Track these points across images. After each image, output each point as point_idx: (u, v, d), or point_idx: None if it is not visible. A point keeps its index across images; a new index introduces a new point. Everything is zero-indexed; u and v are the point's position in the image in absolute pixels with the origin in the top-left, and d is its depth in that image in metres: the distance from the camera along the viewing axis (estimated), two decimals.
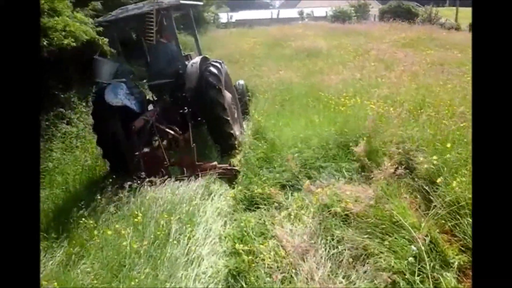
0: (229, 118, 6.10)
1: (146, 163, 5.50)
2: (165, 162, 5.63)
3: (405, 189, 4.23)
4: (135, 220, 4.21)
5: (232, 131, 6.19)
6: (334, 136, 5.66)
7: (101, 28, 10.02)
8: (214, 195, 5.05)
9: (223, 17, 35.17)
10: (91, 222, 4.37)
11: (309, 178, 4.79)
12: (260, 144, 6.05)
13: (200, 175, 5.33)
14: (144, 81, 7.22)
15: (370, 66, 10.32)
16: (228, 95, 6.57)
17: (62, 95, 9.93)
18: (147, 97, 6.99)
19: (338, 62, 11.66)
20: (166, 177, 5.27)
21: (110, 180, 5.36)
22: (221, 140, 6.26)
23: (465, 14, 36.56)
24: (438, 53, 12.30)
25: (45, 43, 7.12)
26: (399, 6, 30.79)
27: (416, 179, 4.39)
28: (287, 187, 4.87)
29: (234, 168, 5.55)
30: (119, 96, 5.74)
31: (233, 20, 35.42)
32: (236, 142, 6.24)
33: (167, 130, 5.95)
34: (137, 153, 5.52)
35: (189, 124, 6.16)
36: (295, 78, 9.70)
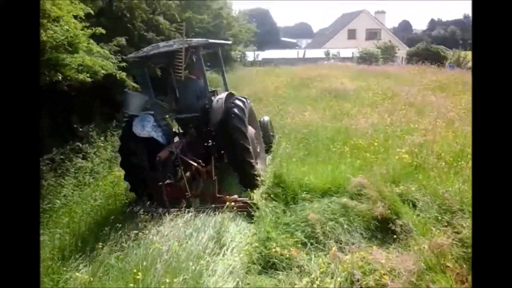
0: (250, 147, 6.16)
1: (169, 193, 5.65)
2: (187, 193, 5.74)
3: (449, 257, 3.60)
4: (136, 277, 3.69)
5: (252, 161, 6.19)
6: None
7: (124, 64, 10.00)
8: (227, 249, 4.51)
9: (250, 55, 35.59)
10: (86, 276, 3.88)
11: (335, 240, 4.20)
12: (279, 192, 5.50)
13: (220, 207, 5.35)
14: (171, 115, 7.43)
15: (400, 110, 9.79)
16: (251, 129, 6.73)
17: (80, 129, 9.77)
18: (173, 130, 7.16)
19: (367, 105, 11.17)
20: (185, 207, 5.33)
21: (119, 224, 4.95)
22: (242, 170, 6.20)
23: None
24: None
25: (60, 78, 6.94)
26: (427, 49, 30.40)
27: (463, 245, 3.76)
28: (309, 244, 4.29)
29: (253, 201, 5.40)
30: (146, 128, 5.97)
31: (260, 59, 35.80)
32: (256, 174, 6.15)
33: (191, 162, 6.07)
34: (160, 183, 5.63)
35: (212, 157, 6.28)
36: (321, 120, 9.23)
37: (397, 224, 4.21)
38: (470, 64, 28.64)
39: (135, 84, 11.17)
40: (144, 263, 3.94)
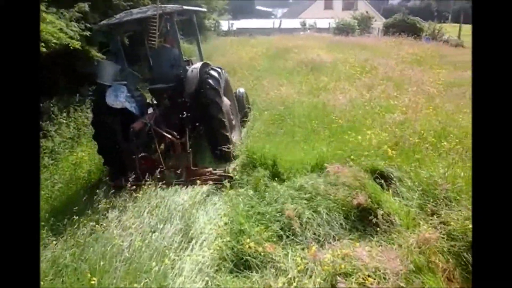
0: (225, 120, 6.08)
1: (142, 165, 5.54)
2: (161, 166, 5.64)
3: (437, 254, 3.31)
4: (90, 283, 3.27)
5: (228, 134, 6.13)
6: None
7: (87, 33, 9.21)
8: (196, 243, 4.12)
9: (224, 24, 34.50)
10: None
11: (313, 232, 3.87)
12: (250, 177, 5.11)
13: (195, 180, 5.30)
14: (145, 85, 7.19)
15: (378, 84, 9.45)
16: (226, 101, 6.62)
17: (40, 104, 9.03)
18: (147, 101, 6.96)
19: (344, 79, 10.76)
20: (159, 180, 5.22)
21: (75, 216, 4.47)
22: (217, 143, 6.06)
23: (468, 31, 36.41)
24: (451, 73, 11.46)
25: None
26: (404, 21, 30.12)
27: (449, 238, 3.49)
28: (285, 237, 3.94)
29: (229, 174, 5.39)
30: (119, 99, 5.83)
31: (234, 28, 34.78)
32: (232, 148, 6.07)
33: (165, 134, 5.95)
34: (134, 156, 5.55)
35: (187, 129, 6.15)
36: (297, 95, 8.80)
37: (379, 214, 3.89)
38: (445, 36, 28.80)
39: (100, 55, 10.44)
40: (102, 263, 3.52)
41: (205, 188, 5.14)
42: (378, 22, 35.74)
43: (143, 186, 5.09)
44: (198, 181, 5.25)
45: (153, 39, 6.23)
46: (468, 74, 11.05)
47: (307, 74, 11.74)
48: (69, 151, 7.96)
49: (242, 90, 8.42)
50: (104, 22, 6.72)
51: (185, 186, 5.23)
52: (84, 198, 5.14)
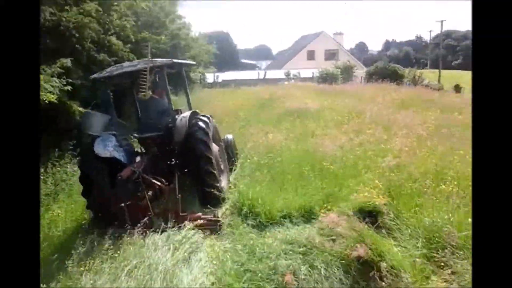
0: (215, 172, 6.18)
1: (131, 213, 5.49)
2: (149, 212, 5.62)
3: None
4: None
5: (218, 184, 6.19)
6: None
7: (69, 87, 9.03)
8: None
9: (210, 77, 35.01)
10: None
11: None
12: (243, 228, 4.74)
13: (183, 225, 5.25)
14: (134, 134, 7.25)
15: (367, 129, 9.31)
16: (215, 148, 6.70)
17: None
18: (136, 150, 7.09)
19: (332, 125, 10.65)
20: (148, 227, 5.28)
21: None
22: (205, 192, 6.10)
23: (447, 76, 37.60)
24: (437, 115, 11.44)
25: None
26: (385, 68, 31.14)
27: None
28: None
29: (218, 219, 5.47)
30: (107, 148, 5.94)
31: (220, 80, 35.26)
32: (219, 188, 6.17)
33: (153, 180, 6.01)
34: (122, 203, 5.48)
35: (175, 175, 6.18)
36: (285, 142, 8.57)
37: (382, 267, 3.51)
38: (425, 81, 29.61)
39: (81, 109, 10.20)
40: None
41: (186, 245, 4.81)
42: (360, 71, 36.72)
43: (128, 234, 5.07)
44: (187, 225, 5.21)
45: (143, 90, 6.29)
46: (452, 115, 11.12)
47: (293, 121, 11.61)
48: (45, 209, 7.46)
49: (230, 136, 8.49)
50: (95, 75, 6.87)
51: (168, 238, 5.04)
52: (56, 262, 4.66)
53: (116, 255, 4.61)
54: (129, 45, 13.34)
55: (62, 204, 7.51)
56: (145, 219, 5.44)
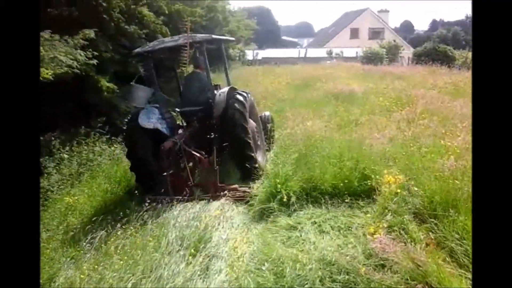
0: (251, 142, 6.33)
1: (172, 182, 5.85)
2: (189, 182, 5.96)
3: None
4: None
5: (253, 154, 6.35)
6: None
7: (95, 61, 8.47)
8: None
9: (249, 54, 34.17)
10: None
11: None
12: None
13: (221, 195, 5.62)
14: (176, 108, 7.51)
15: (419, 119, 8.23)
16: (252, 123, 6.86)
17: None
18: (177, 123, 7.35)
19: (379, 112, 9.60)
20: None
21: None
22: (242, 163, 6.27)
23: None
24: None
25: None
26: (434, 49, 28.94)
27: None
28: None
29: (253, 191, 5.55)
30: (151, 120, 6.26)
31: (260, 57, 34.37)
32: (257, 167, 6.28)
33: (194, 152, 6.27)
34: (164, 173, 5.83)
35: (214, 148, 6.38)
36: (326, 131, 7.66)
37: None
38: None
39: (109, 84, 9.69)
40: None
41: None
42: (406, 51, 34.70)
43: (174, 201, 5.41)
44: (223, 197, 5.56)
45: (184, 65, 6.76)
46: None
47: (336, 106, 10.62)
48: (66, 192, 7.04)
49: (267, 113, 8.69)
50: (138, 49, 7.08)
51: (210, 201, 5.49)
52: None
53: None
54: (162, 17, 12.63)
55: (84, 187, 7.08)
56: (186, 188, 5.73)
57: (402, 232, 3.98)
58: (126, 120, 8.06)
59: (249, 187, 5.75)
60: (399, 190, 4.49)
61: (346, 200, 5.21)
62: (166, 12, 13.01)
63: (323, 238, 4.36)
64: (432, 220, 4.35)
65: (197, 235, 4.42)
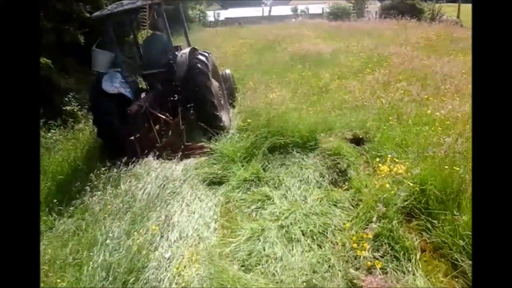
0: (215, 100, 6.41)
1: (140, 145, 5.86)
2: (157, 144, 6.11)
3: None
4: None
5: (218, 113, 6.46)
6: None
7: None
8: None
9: (211, 15, 32.31)
10: None
11: None
12: None
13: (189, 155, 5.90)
14: (138, 71, 7.54)
15: (397, 80, 7.31)
16: (215, 83, 6.89)
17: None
18: (140, 86, 7.41)
19: (350, 74, 8.61)
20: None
21: None
22: (207, 122, 6.31)
23: (466, 11, 34.31)
24: None
25: None
26: (402, 2, 28.00)
27: None
28: None
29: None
30: (115, 85, 6.19)
31: (222, 18, 32.56)
32: (222, 125, 6.47)
33: (159, 115, 6.37)
34: (132, 137, 5.85)
35: (179, 109, 6.54)
36: (295, 104, 6.63)
37: None
38: (444, 17, 26.67)
39: (42, 59, 8.22)
40: None
41: None
42: (372, 5, 33.61)
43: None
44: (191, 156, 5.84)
45: (144, 27, 6.78)
46: None
47: (302, 70, 9.54)
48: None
49: (228, 71, 8.73)
50: (96, 13, 6.88)
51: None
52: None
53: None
54: None
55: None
56: (154, 149, 5.91)
57: (391, 241, 3.08)
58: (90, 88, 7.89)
59: (216, 144, 5.85)
60: (389, 185, 3.54)
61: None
62: None
63: (292, 250, 3.45)
64: (425, 217, 3.49)
65: None
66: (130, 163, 5.45)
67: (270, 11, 35.78)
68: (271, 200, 4.49)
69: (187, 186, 5.06)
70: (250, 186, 4.87)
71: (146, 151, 5.82)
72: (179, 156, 5.80)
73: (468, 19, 27.42)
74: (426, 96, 5.87)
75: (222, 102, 7.10)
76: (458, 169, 3.47)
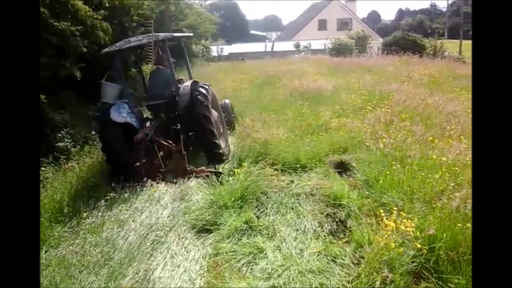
0: (214, 130, 6.84)
1: (146, 170, 6.27)
2: (162, 169, 6.42)
3: None
4: None
5: (217, 141, 6.89)
6: None
7: None
8: None
9: (215, 50, 32.62)
10: None
11: None
12: None
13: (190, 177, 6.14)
14: (143, 102, 8.05)
15: (400, 119, 6.99)
16: (214, 112, 7.36)
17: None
18: (145, 116, 7.88)
19: (351, 112, 8.33)
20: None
21: None
22: (208, 150, 6.91)
23: (466, 46, 34.60)
24: None
25: None
26: (404, 38, 28.24)
27: None
28: None
29: (219, 171, 6.28)
30: (122, 115, 6.56)
31: (226, 53, 32.85)
32: (221, 152, 6.95)
33: (163, 142, 6.69)
34: (138, 163, 6.36)
35: (181, 137, 6.95)
36: (289, 139, 6.30)
37: None
38: (446, 53, 26.81)
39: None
40: None
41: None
42: (374, 41, 33.97)
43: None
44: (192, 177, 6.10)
45: (150, 62, 7.22)
46: None
47: (302, 106, 9.29)
48: None
49: (227, 101, 9.49)
50: (106, 49, 7.34)
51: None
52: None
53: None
54: (102, 11, 10.91)
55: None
56: (159, 174, 6.23)
57: None
58: (97, 114, 8.19)
59: (215, 168, 6.43)
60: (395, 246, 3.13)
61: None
62: (107, 5, 11.28)
63: None
64: (435, 280, 3.06)
65: None
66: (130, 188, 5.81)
67: (273, 47, 36.18)
68: (264, 253, 4.09)
69: (173, 234, 4.67)
70: (241, 236, 4.47)
71: (151, 176, 6.08)
72: (181, 179, 6.07)
73: (469, 55, 27.57)
74: (431, 138, 5.52)
75: (221, 130, 7.57)
76: (471, 225, 3.08)
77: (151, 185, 5.74)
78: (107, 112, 6.61)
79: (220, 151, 6.90)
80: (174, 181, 6.07)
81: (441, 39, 37.02)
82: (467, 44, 37.42)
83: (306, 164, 6.14)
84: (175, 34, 8.06)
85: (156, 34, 7.17)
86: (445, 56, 25.52)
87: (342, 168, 5.97)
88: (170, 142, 6.78)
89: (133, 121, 6.75)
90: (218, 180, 5.77)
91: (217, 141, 6.85)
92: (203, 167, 6.45)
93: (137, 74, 8.87)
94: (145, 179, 5.91)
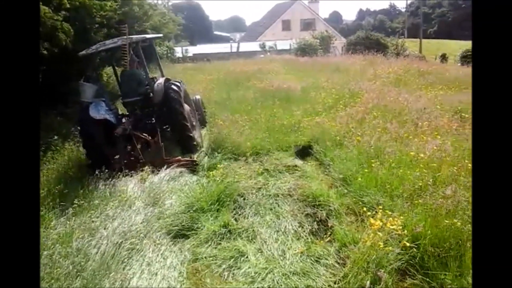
0: (188, 124, 7.39)
1: (126, 161, 6.69)
2: (141, 159, 6.84)
3: None
4: None
5: (191, 134, 7.45)
6: None
7: None
8: None
9: (179, 51, 32.14)
10: None
11: None
12: None
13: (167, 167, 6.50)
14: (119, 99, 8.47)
15: (372, 117, 7.04)
16: (187, 107, 7.82)
17: None
18: (121, 112, 8.15)
19: (323, 111, 8.33)
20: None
21: None
22: (182, 142, 7.48)
23: (426, 45, 35.83)
24: (451, 94, 9.26)
25: None
26: (367, 38, 28.82)
27: None
28: None
29: (194, 160, 6.89)
30: (100, 112, 6.94)
31: (191, 54, 32.44)
32: (195, 143, 7.53)
33: (141, 135, 7.18)
34: (118, 155, 6.88)
35: (157, 129, 7.31)
36: (263, 142, 6.21)
37: None
38: (407, 52, 27.62)
39: None
40: None
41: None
42: (338, 41, 34.54)
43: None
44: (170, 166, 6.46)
45: (125, 63, 7.52)
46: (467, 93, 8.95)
47: (272, 106, 9.22)
48: None
49: (198, 96, 9.96)
50: (83, 52, 7.53)
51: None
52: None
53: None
54: (63, 12, 10.44)
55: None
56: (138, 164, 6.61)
57: None
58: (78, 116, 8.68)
59: (190, 157, 6.97)
60: (383, 244, 3.07)
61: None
62: (68, 6, 10.79)
63: None
64: (421, 277, 3.04)
65: None
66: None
67: (238, 47, 36.03)
68: (245, 256, 3.96)
69: (148, 240, 4.46)
70: (220, 239, 4.33)
71: (131, 167, 6.44)
72: (159, 168, 6.42)
73: (429, 54, 28.45)
74: (406, 135, 5.58)
75: (194, 123, 8.05)
76: (457, 221, 3.07)
77: (131, 175, 6.16)
78: (85, 110, 6.94)
79: (194, 142, 7.46)
80: (153, 171, 6.40)
81: (402, 38, 38.20)
82: (426, 42, 38.91)
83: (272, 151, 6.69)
84: (147, 36, 8.65)
85: (130, 36, 7.58)
86: (407, 54, 26.22)
87: (304, 153, 6.65)
88: (146, 135, 7.25)
89: (111, 118, 7.09)
90: (194, 169, 6.52)
91: (190, 134, 7.39)
92: (179, 157, 6.93)
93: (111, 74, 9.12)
94: (125, 169, 6.26)
